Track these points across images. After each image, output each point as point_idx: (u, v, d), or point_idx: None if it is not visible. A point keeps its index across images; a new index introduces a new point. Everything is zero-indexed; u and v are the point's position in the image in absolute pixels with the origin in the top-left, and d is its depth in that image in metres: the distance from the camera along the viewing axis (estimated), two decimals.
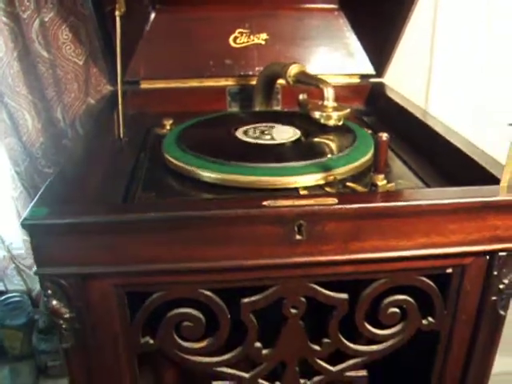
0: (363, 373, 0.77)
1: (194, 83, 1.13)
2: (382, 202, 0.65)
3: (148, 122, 1.05)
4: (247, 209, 0.61)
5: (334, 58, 1.16)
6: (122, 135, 0.95)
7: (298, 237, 0.63)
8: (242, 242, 0.63)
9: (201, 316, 0.69)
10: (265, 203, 0.62)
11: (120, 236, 0.62)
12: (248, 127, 0.91)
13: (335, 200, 0.63)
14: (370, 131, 0.96)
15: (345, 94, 1.15)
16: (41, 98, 1.17)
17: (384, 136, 0.67)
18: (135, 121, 1.06)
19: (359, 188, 0.73)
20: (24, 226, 0.60)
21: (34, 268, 1.27)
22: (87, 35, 1.11)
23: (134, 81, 1.11)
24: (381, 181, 0.69)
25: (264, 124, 0.93)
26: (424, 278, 0.71)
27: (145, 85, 1.12)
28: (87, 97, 1.16)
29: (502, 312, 0.74)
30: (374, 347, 0.75)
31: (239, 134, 0.88)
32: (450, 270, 0.71)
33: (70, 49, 1.10)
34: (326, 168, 0.76)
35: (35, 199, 0.64)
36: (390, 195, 0.68)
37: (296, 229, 0.63)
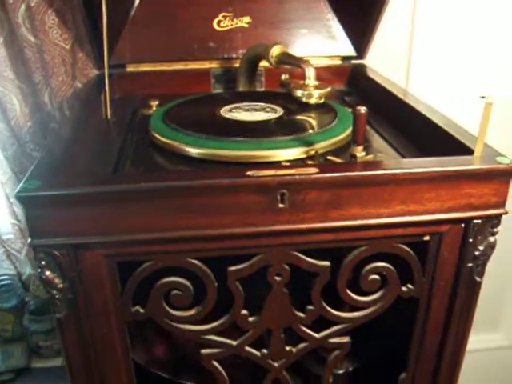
0: (346, 339, 0.80)
1: (179, 66, 1.15)
2: (361, 170, 0.67)
3: (134, 104, 1.07)
4: (232, 178, 0.64)
5: (316, 40, 1.19)
6: (108, 115, 0.97)
7: (281, 205, 0.66)
8: (227, 211, 0.66)
9: (189, 284, 0.71)
10: (248, 173, 0.65)
11: (109, 207, 0.64)
12: (232, 106, 0.93)
13: (316, 170, 0.66)
14: (350, 110, 0.98)
15: (326, 75, 1.18)
16: (28, 82, 1.18)
17: (362, 109, 0.70)
18: (122, 103, 1.08)
19: (339, 161, 0.76)
20: (18, 198, 0.62)
21: (24, 251, 1.29)
22: (73, 20, 1.12)
23: (119, 64, 1.13)
24: (359, 152, 0.72)
25: (248, 103, 0.95)
26: (403, 246, 0.74)
27: (131, 68, 1.14)
28: (74, 81, 1.17)
29: (477, 278, 0.77)
30: (356, 314, 0.78)
31: (224, 112, 0.90)
32: (427, 238, 0.74)
33: (57, 33, 1.11)
34: (307, 143, 0.79)
35: (27, 174, 0.66)
36: (368, 164, 0.70)
37: (279, 197, 0.66)
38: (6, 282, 1.34)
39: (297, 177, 0.65)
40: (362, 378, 0.94)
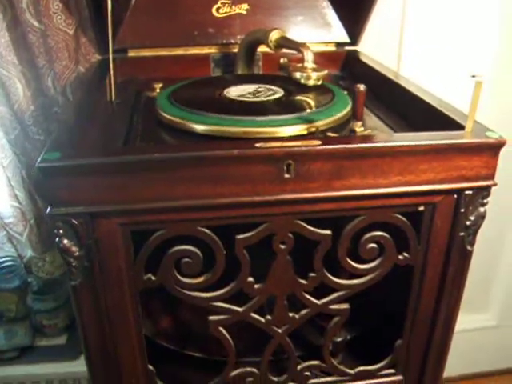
0: (345, 306, 0.85)
1: (179, 51, 1.18)
2: (361, 143, 0.72)
3: (137, 88, 1.10)
4: (242, 149, 0.68)
5: (311, 27, 1.23)
6: (113, 97, 1.00)
7: (287, 175, 0.70)
8: (237, 181, 0.70)
9: (199, 252, 0.75)
10: (257, 145, 0.69)
11: (125, 176, 0.68)
12: (235, 88, 0.97)
13: (319, 142, 0.70)
14: (346, 92, 1.03)
15: (321, 61, 1.21)
16: (30, 66, 1.21)
17: (361, 87, 0.75)
18: (125, 86, 1.11)
19: None
20: (39, 168, 0.66)
21: (25, 234, 1.31)
22: (76, 6, 1.15)
23: (121, 49, 1.16)
24: (359, 127, 0.77)
25: (250, 85, 0.99)
26: (399, 216, 0.79)
27: (132, 53, 1.17)
28: (77, 65, 1.21)
29: (469, 247, 0.82)
30: (355, 281, 0.83)
31: (227, 93, 0.94)
32: (421, 208, 0.79)
33: (61, 18, 1.14)
34: (308, 120, 0.83)
35: (46, 147, 0.70)
36: (367, 137, 0.75)
37: (285, 168, 0.70)
38: (8, 264, 1.36)
39: (302, 148, 0.69)
40: (359, 347, 0.99)
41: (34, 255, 1.41)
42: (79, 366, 1.30)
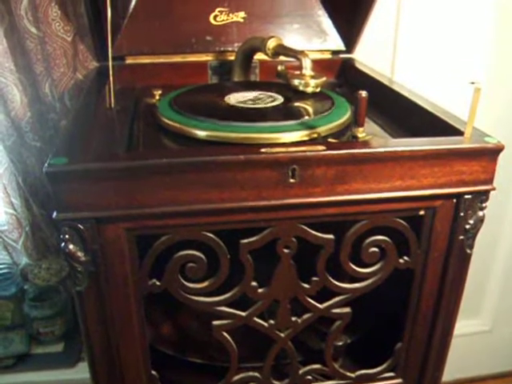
0: (347, 310, 0.86)
1: (177, 59, 1.19)
2: (363, 148, 0.73)
3: (135, 95, 1.11)
4: (247, 155, 0.69)
5: (307, 35, 1.24)
6: (112, 104, 1.00)
7: (292, 180, 0.71)
8: (242, 186, 0.71)
9: (203, 257, 0.76)
10: (262, 150, 0.70)
11: (132, 181, 0.68)
12: (235, 94, 0.98)
13: (324, 147, 0.72)
14: (344, 98, 1.04)
15: (317, 69, 1.22)
16: (27, 73, 1.21)
17: (363, 93, 0.76)
18: (123, 94, 1.11)
19: None
20: (47, 173, 0.66)
21: (21, 241, 1.31)
22: (74, 13, 1.16)
23: (119, 56, 1.16)
24: (361, 133, 0.78)
25: (249, 92, 1.00)
26: (400, 220, 0.80)
27: (130, 60, 1.18)
28: (75, 72, 1.21)
29: (468, 251, 0.83)
30: (357, 285, 0.84)
31: (228, 99, 0.95)
32: (422, 212, 0.80)
33: (59, 25, 1.14)
34: (309, 126, 0.84)
35: (52, 153, 0.70)
36: (370, 143, 0.76)
37: (290, 173, 0.71)
38: (4, 271, 1.36)
39: (307, 153, 0.70)
40: (359, 350, 0.99)
41: (29, 262, 1.40)
42: (76, 374, 1.30)
